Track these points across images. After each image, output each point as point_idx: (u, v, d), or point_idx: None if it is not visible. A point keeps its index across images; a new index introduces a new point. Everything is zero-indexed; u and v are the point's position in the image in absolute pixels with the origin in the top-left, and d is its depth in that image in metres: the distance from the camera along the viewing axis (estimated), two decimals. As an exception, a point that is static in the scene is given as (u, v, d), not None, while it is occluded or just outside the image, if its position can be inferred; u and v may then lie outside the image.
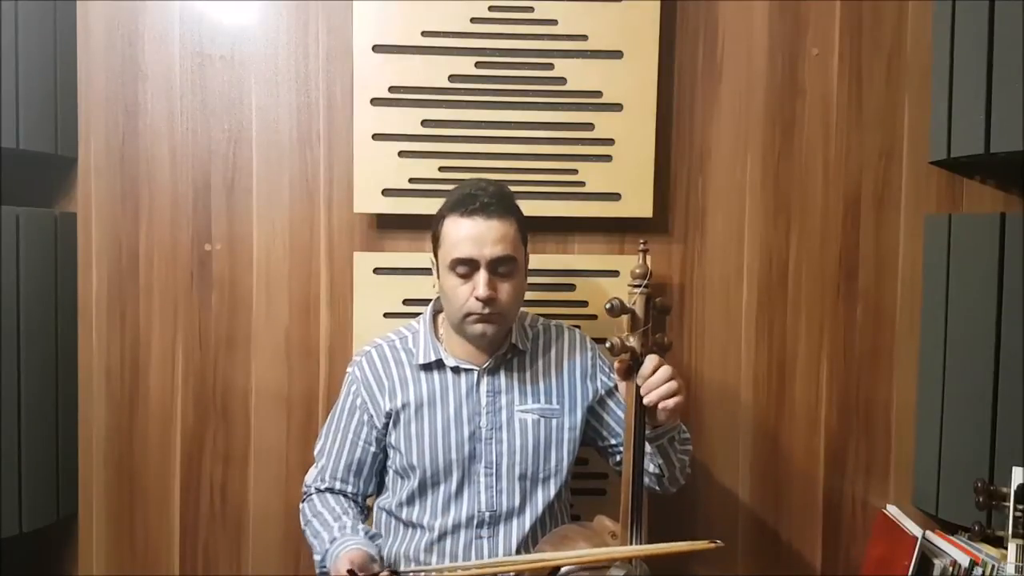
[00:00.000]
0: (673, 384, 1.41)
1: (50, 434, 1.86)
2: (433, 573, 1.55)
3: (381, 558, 1.52)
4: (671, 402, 1.40)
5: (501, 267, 1.52)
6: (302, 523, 1.64)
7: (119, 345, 1.94)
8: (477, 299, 1.50)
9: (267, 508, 1.95)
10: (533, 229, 1.91)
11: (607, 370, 1.66)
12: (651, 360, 1.41)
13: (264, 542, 1.96)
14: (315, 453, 1.68)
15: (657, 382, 1.40)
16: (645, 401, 1.41)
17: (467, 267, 1.51)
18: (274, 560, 1.97)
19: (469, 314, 1.52)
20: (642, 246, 1.47)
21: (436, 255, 1.58)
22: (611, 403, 1.66)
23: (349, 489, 1.65)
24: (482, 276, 1.50)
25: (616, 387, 1.63)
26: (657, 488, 1.60)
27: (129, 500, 1.95)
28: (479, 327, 1.53)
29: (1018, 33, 1.68)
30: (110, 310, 1.93)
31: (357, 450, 1.63)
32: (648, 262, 1.46)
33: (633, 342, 1.43)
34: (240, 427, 1.95)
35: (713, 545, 1.32)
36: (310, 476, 1.67)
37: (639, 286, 1.43)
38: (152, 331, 1.94)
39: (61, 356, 1.89)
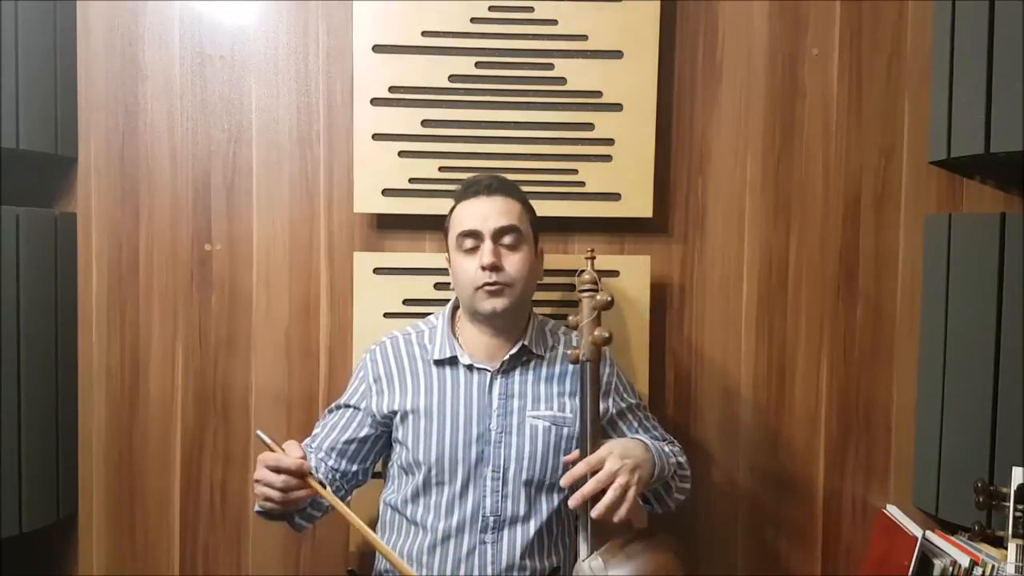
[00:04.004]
0: (611, 496, 1.39)
1: (50, 434, 1.86)
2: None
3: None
4: (623, 510, 1.39)
5: (505, 237, 1.54)
6: None
7: (119, 345, 1.94)
8: (483, 268, 1.52)
9: (267, 508, 1.95)
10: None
11: (622, 391, 1.67)
12: (598, 477, 1.40)
13: (264, 542, 1.96)
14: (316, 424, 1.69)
15: (604, 501, 1.38)
16: (593, 516, 1.39)
17: (473, 239, 1.55)
18: (274, 560, 1.97)
19: (478, 288, 1.53)
20: (589, 254, 1.60)
21: (448, 247, 1.62)
22: (622, 425, 1.65)
23: (330, 463, 1.61)
24: (487, 245, 1.53)
25: (628, 408, 1.66)
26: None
27: (129, 500, 1.95)
28: (488, 303, 1.53)
29: (1018, 33, 1.68)
30: (110, 310, 1.93)
31: (347, 432, 1.62)
32: (594, 267, 1.57)
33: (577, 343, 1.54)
34: (240, 427, 1.95)
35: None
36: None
37: (587, 291, 1.54)
38: (152, 331, 1.94)
39: (61, 356, 1.89)
